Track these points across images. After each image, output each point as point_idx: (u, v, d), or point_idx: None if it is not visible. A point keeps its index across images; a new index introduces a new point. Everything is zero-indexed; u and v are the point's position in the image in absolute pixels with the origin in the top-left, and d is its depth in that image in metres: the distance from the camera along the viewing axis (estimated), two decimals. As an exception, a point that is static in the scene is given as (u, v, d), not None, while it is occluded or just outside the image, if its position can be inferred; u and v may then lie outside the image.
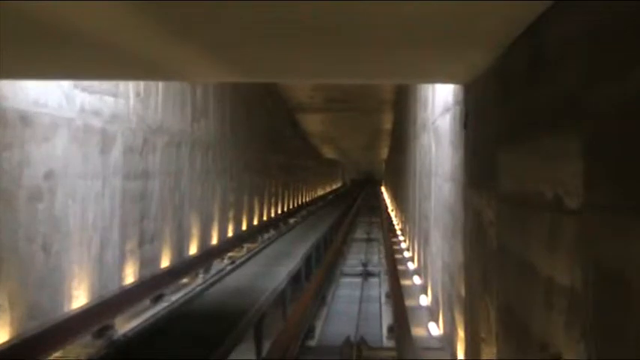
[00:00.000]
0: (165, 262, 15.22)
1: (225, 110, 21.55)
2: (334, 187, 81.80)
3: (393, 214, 37.39)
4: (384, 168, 72.38)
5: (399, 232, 27.00)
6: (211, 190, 19.53)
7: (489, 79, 6.09)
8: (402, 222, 27.27)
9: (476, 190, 6.80)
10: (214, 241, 19.85)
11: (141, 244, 13.68)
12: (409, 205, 21.32)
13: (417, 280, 15.37)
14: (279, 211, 33.69)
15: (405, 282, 15.51)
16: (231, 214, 22.30)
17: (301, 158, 46.58)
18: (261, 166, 28.71)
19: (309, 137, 50.83)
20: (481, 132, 6.60)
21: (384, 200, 51.91)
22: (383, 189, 68.50)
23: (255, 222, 26.88)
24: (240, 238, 22.25)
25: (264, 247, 19.85)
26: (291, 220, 32.31)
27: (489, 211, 6.00)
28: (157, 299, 13.15)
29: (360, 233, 26.61)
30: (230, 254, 20.12)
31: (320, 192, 62.19)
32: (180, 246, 16.48)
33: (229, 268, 16.12)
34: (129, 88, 12.97)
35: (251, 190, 25.94)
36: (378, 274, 16.83)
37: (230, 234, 22.04)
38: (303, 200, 46.72)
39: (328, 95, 34.18)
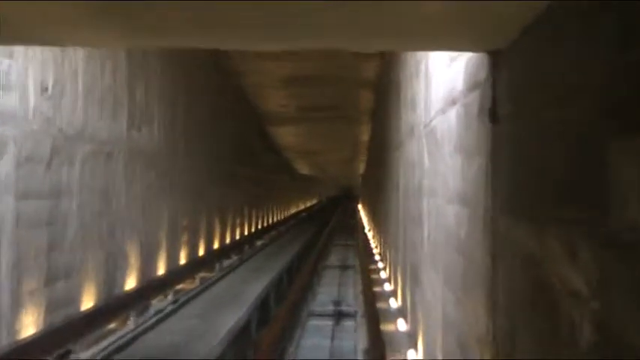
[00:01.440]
0: (87, 302, 12.13)
1: (177, 116, 18.50)
2: (308, 204, 78.76)
3: (370, 234, 34.38)
4: (360, 185, 69.45)
5: (377, 257, 23.98)
6: (156, 210, 16.44)
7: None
8: (380, 245, 24.29)
9: (529, 224, 3.81)
10: (161, 271, 16.76)
11: (48, 281, 10.58)
12: (390, 227, 18.34)
13: (401, 324, 12.36)
14: (246, 232, 30.59)
15: (387, 327, 12.51)
16: (184, 239, 19.21)
17: (273, 174, 43.49)
18: (226, 183, 25.64)
19: (282, 151, 47.78)
20: (543, 123, 3.61)
21: (360, 219, 48.94)
22: (360, 206, 65.55)
23: (216, 245, 23.79)
24: (194, 267, 19.15)
25: (218, 279, 16.76)
26: (258, 243, 29.24)
27: (573, 271, 3.01)
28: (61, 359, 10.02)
29: (333, 259, 23.60)
30: (180, 286, 17.04)
31: (293, 210, 59.09)
32: (110, 280, 13.39)
33: (169, 308, 13.03)
34: (27, 79, 9.90)
35: (211, 209, 22.86)
36: (353, 315, 13.78)
37: (182, 261, 18.95)
38: (275, 219, 43.61)
39: (301, 103, 31.18)
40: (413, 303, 11.42)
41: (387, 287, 16.90)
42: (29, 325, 9.91)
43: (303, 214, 59.93)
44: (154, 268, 16.28)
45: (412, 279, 11.68)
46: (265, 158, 39.43)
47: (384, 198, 21.71)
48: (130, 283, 14.50)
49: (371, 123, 35.69)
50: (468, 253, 6.13)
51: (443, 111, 7.56)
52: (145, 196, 15.57)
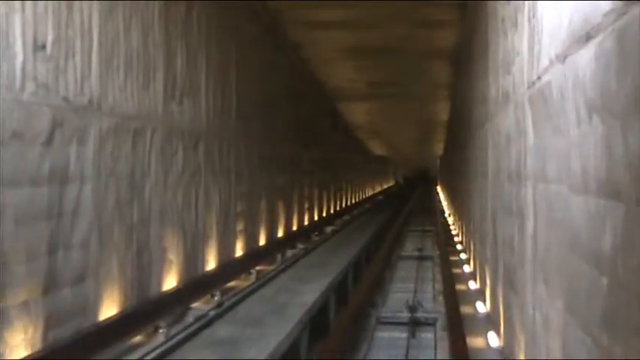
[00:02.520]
0: (109, 310, 10.02)
1: (229, 90, 16.28)
2: (385, 186, 76.22)
3: (450, 220, 31.82)
4: (439, 166, 66.64)
5: (459, 247, 21.50)
6: (204, 196, 14.28)
7: None
8: (462, 233, 21.79)
9: None
10: (211, 265, 14.62)
11: (49, 289, 8.46)
12: (474, 215, 15.88)
13: (493, 339, 9.95)
14: (315, 218, 28.35)
15: (475, 341, 10.13)
16: (239, 227, 17.04)
17: (345, 154, 41.14)
18: (289, 163, 23.41)
19: (353, 130, 45.38)
20: None
21: (439, 202, 46.32)
22: (439, 189, 62.84)
23: (280, 234, 21.60)
24: (251, 259, 16.98)
25: (276, 275, 14.52)
26: (329, 229, 26.95)
27: None
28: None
29: (409, 248, 21.17)
30: (232, 284, 14.88)
31: (368, 192, 56.69)
32: (142, 282, 11.26)
33: (212, 314, 10.84)
34: (15, 33, 7.75)
35: (272, 193, 20.65)
36: (432, 324, 11.39)
37: (239, 253, 16.80)
38: (348, 202, 41.30)
39: (372, 78, 28.71)
40: (508, 314, 9.02)
41: (473, 285, 14.44)
42: (19, 346, 7.80)
43: (379, 197, 57.48)
44: (202, 263, 14.14)
45: (506, 282, 9.27)
46: (336, 138, 37.09)
47: (466, 182, 19.21)
48: (169, 282, 12.38)
49: (449, 100, 33.04)
50: (619, 275, 3.78)
51: (563, 57, 5.14)
52: (189, 182, 13.41)
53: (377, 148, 61.29)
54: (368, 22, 20.64)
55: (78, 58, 9.18)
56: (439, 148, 57.71)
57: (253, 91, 18.42)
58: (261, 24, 19.47)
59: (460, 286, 14.61)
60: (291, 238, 21.93)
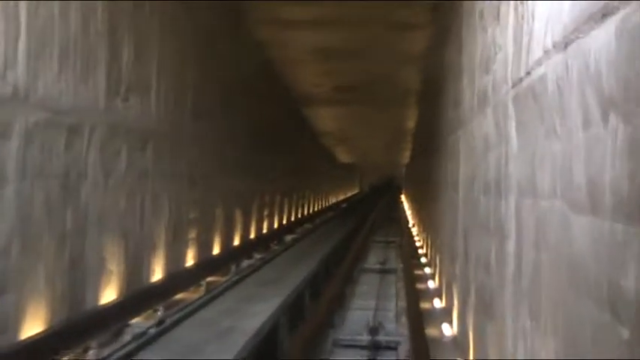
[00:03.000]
0: (33, 327, 8.90)
1: (184, 88, 15.21)
2: (349, 194, 75.32)
3: (415, 230, 30.90)
4: (404, 174, 65.83)
5: (423, 259, 20.54)
6: (151, 202, 13.17)
7: None
8: (428, 246, 20.84)
9: None
10: (157, 276, 13.52)
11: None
12: (441, 228, 14.94)
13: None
14: (275, 226, 27.28)
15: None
16: (192, 235, 15.95)
17: (310, 161, 40.12)
18: (249, 169, 22.34)
19: (319, 137, 44.38)
20: None
21: (404, 212, 45.44)
22: (403, 197, 62.04)
23: (237, 242, 20.51)
24: (203, 269, 15.90)
25: (227, 289, 13.42)
26: (289, 238, 25.88)
27: None
28: None
29: (372, 260, 20.14)
30: (179, 296, 13.80)
31: (333, 200, 55.71)
32: (75, 295, 10.14)
33: (151, 333, 9.72)
34: None
35: (229, 200, 19.56)
36: (395, 348, 10.35)
37: (190, 263, 15.70)
38: (311, 210, 40.24)
39: (339, 82, 27.70)
40: (480, 342, 8.04)
41: (438, 304, 13.47)
42: None
43: (343, 204, 56.51)
44: (147, 273, 13.04)
45: (479, 305, 8.30)
46: (301, 144, 36.05)
47: (433, 192, 18.27)
48: (107, 294, 11.26)
49: (417, 106, 32.15)
50: None
51: (564, 44, 4.16)
52: (134, 185, 12.31)
53: (343, 155, 60.34)
54: (336, 22, 19.66)
55: (0, 43, 8.07)
56: (406, 157, 56.89)
57: (212, 90, 17.34)
58: (223, 19, 18.40)
59: (425, 304, 13.63)
60: (248, 247, 20.86)
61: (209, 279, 15.75)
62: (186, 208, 15.46)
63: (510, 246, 6.02)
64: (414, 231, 30.60)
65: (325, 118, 38.48)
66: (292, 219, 32.12)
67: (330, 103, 33.07)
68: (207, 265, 16.45)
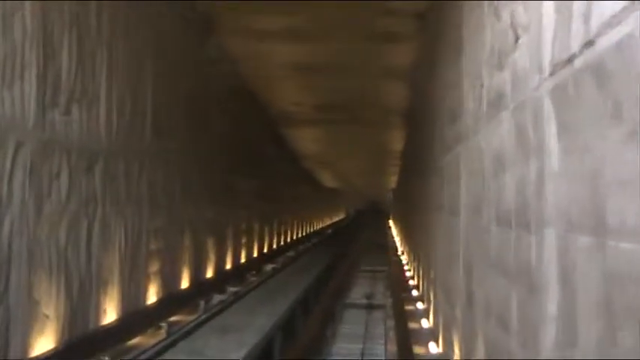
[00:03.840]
0: None
1: (143, 102, 13.45)
2: (335, 219, 73.54)
3: (404, 258, 29.10)
4: (392, 199, 64.08)
5: (415, 292, 18.72)
6: (100, 232, 11.35)
7: None
8: (419, 277, 19.06)
9: None
10: (109, 318, 11.67)
11: None
12: (436, 261, 13.20)
13: None
14: (254, 254, 25.42)
15: None
16: (153, 268, 14.12)
17: (291, 185, 38.32)
18: (223, 193, 20.53)
19: (301, 160, 42.62)
20: None
21: (392, 238, 43.72)
22: (391, 223, 60.31)
23: (210, 274, 18.66)
24: (166, 307, 14.09)
25: (190, 332, 11.61)
26: (268, 268, 24.05)
27: None
28: None
29: (357, 293, 18.31)
30: (134, 341, 11.97)
31: (317, 226, 53.90)
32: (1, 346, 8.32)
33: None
34: None
35: (199, 227, 17.74)
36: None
37: (152, 300, 13.87)
38: (294, 237, 38.39)
39: (319, 100, 25.95)
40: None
41: (434, 349, 11.66)
42: None
43: (328, 230, 54.71)
44: (95, 316, 11.19)
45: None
46: (280, 167, 34.26)
47: (425, 217, 16.52)
48: (42, 346, 9.41)
49: (405, 126, 30.43)
50: None
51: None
52: (78, 213, 10.50)
53: (327, 180, 58.59)
54: (315, 34, 17.94)
55: None
56: (392, 181, 55.19)
57: (176, 105, 15.57)
58: (190, 29, 16.66)
59: (418, 349, 11.83)
60: (222, 279, 19.01)
61: (173, 318, 13.93)
62: (146, 238, 13.64)
63: (550, 303, 4.24)
64: (404, 259, 28.80)
65: (306, 140, 36.72)
66: (274, 246, 30.28)
67: (311, 124, 31.32)
68: (172, 301, 14.64)
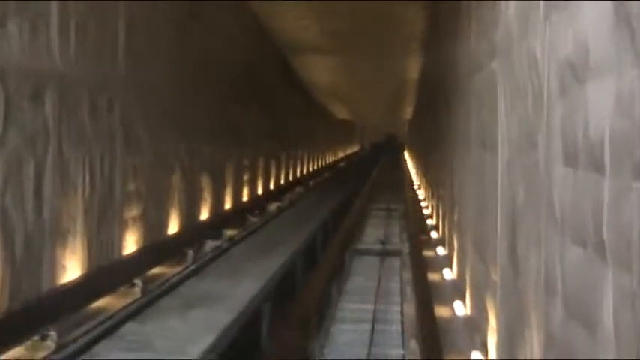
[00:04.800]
0: None
1: (114, 17, 11.34)
2: (349, 152, 71.48)
3: (421, 194, 27.08)
4: (408, 131, 61.90)
5: (434, 234, 16.72)
6: (55, 173, 9.36)
7: None
8: (438, 216, 17.05)
9: None
10: (70, 275, 9.75)
11: None
12: (463, 203, 11.20)
13: None
14: (259, 192, 23.44)
15: None
16: (132, 214, 12.19)
17: (302, 118, 36.17)
18: (224, 126, 18.50)
19: (313, 92, 40.37)
20: None
21: (407, 171, 41.74)
22: (407, 156, 58.27)
23: (205, 216, 16.73)
24: (147, 257, 12.20)
25: (169, 290, 9.71)
26: (273, 207, 22.08)
27: None
28: None
29: (370, 236, 16.29)
30: (98, 303, 10.05)
31: (330, 159, 51.87)
32: None
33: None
34: None
35: (194, 164, 15.75)
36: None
37: (129, 249, 11.96)
38: (304, 172, 36.35)
39: (331, 26, 23.63)
40: None
41: (460, 309, 9.69)
42: None
43: (341, 164, 52.68)
44: (49, 274, 9.26)
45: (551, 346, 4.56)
46: (290, 100, 32.08)
47: (445, 153, 14.47)
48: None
49: (422, 51, 28.11)
50: None
51: None
52: (22, 151, 8.51)
53: (341, 112, 56.31)
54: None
55: None
56: (408, 112, 52.93)
57: (160, 25, 13.44)
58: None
59: (441, 309, 9.89)
60: (218, 221, 17.07)
61: (154, 271, 12.04)
62: (121, 179, 11.67)
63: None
64: (420, 194, 26.77)
65: (317, 70, 34.44)
66: (281, 182, 28.29)
67: (321, 52, 29.00)
68: (155, 251, 12.74)
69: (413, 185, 31.81)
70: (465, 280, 10.11)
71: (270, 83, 26.66)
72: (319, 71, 35.03)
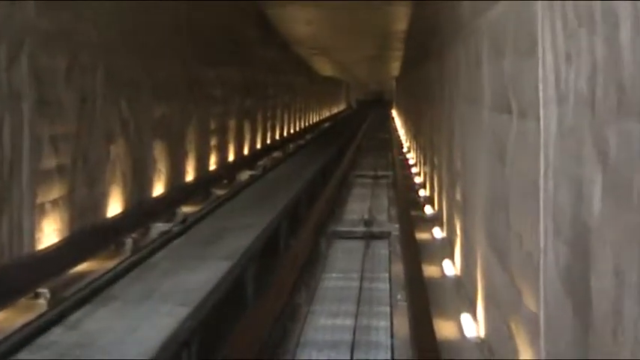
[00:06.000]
0: None
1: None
2: (335, 111, 68.81)
3: (412, 158, 24.59)
4: (395, 87, 59.25)
5: (428, 209, 14.24)
6: None
7: None
8: (432, 188, 14.58)
9: None
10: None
11: None
12: (466, 172, 8.74)
13: None
14: (230, 158, 20.86)
15: None
16: (52, 196, 9.70)
17: (280, 75, 33.46)
18: (182, 85, 15.91)
19: (292, 45, 37.54)
20: None
21: (395, 131, 39.25)
22: (395, 114, 55.74)
23: (157, 192, 14.21)
24: (73, 252, 9.71)
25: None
26: (246, 176, 19.57)
27: None
28: None
29: (353, 212, 13.79)
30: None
31: (313, 119, 49.24)
32: None
33: None
34: None
35: (140, 130, 13.21)
36: None
37: (46, 242, 9.46)
38: (284, 134, 33.70)
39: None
40: None
41: (470, 328, 7.22)
42: None
43: (325, 124, 50.08)
44: None
45: None
46: (266, 54, 29.36)
47: (442, 110, 11.95)
48: None
49: (410, 5, 25.42)
50: None
51: None
52: None
53: (325, 68, 53.42)
54: None
55: None
56: (396, 68, 50.22)
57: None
58: None
59: (445, 326, 7.45)
60: (175, 197, 14.55)
61: (79, 268, 9.56)
62: (32, 153, 9.15)
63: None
64: (411, 159, 24.28)
65: (298, 23, 31.67)
66: (257, 146, 25.67)
67: (301, 1, 26.25)
68: (85, 240, 10.25)
69: (402, 148, 29.29)
70: (473, 279, 7.66)
71: (245, 37, 23.96)
72: (300, 24, 32.25)
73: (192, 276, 8.52)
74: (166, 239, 10.69)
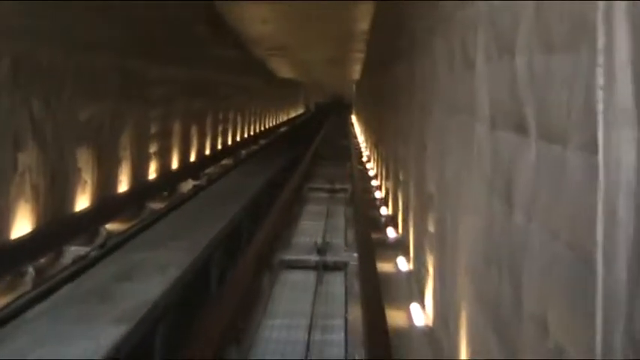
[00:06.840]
0: None
1: None
2: (293, 114, 67.04)
3: (372, 169, 22.89)
4: (356, 92, 57.67)
5: (391, 232, 12.49)
6: None
7: None
8: (395, 207, 12.85)
9: None
10: None
11: None
12: (447, 197, 7.01)
13: None
14: (170, 166, 18.93)
15: None
16: None
17: (233, 75, 31.59)
18: (113, 85, 14.02)
19: (248, 45, 35.67)
20: None
21: (355, 138, 37.62)
22: (354, 120, 54.19)
23: (80, 206, 12.30)
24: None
25: None
26: (188, 185, 17.65)
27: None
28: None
29: (304, 234, 11.97)
30: None
31: (271, 123, 47.40)
32: None
33: None
34: None
35: (57, 135, 11.31)
36: None
37: None
38: (236, 139, 31.77)
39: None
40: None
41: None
42: None
43: (282, 129, 48.27)
44: None
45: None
46: (216, 53, 27.47)
47: (412, 119, 10.22)
48: None
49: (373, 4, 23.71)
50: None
51: None
52: None
53: (282, 70, 51.55)
54: None
55: None
56: (356, 71, 48.56)
57: None
58: None
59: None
60: (102, 212, 12.66)
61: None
62: None
63: None
64: (371, 169, 22.56)
65: (254, 21, 29.84)
66: (205, 153, 23.78)
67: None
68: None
69: (362, 157, 27.59)
70: (452, 338, 5.92)
71: (194, 34, 22.08)
72: (256, 23, 30.45)
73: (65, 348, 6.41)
74: (78, 267, 8.79)
